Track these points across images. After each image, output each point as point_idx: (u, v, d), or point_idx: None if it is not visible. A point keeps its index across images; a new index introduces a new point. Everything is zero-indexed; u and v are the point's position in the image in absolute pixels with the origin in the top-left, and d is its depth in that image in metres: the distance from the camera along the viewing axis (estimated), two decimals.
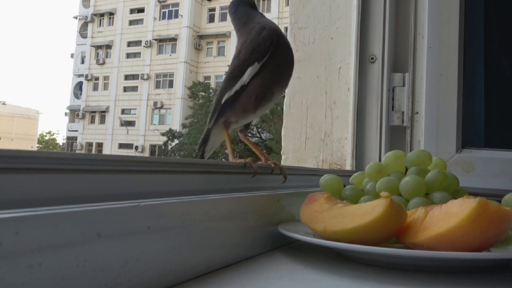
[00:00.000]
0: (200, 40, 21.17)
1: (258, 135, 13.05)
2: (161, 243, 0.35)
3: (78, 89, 23.25)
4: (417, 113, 0.94)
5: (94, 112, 22.22)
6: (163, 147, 16.83)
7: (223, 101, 0.63)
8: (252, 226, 0.49)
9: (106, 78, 22.10)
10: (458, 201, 0.42)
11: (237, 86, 0.62)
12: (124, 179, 0.37)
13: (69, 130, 23.56)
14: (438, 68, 0.93)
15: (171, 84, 20.61)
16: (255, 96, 0.62)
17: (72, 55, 23.70)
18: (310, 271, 0.44)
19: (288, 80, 0.66)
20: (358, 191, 0.59)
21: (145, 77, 20.92)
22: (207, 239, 0.40)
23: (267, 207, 0.53)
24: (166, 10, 21.29)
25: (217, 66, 20.41)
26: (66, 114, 24.49)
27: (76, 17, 23.66)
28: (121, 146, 21.13)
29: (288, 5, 1.12)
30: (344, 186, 0.60)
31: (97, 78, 22.29)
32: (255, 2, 0.70)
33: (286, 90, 1.06)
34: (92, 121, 22.37)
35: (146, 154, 19.61)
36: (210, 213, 0.41)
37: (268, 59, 0.61)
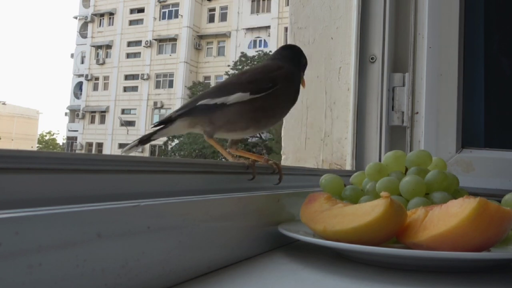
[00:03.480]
0: (200, 40, 21.17)
1: (258, 135, 13.05)
2: (161, 243, 0.35)
3: (78, 89, 23.25)
4: (417, 113, 0.94)
5: (94, 112, 22.22)
6: (163, 147, 16.82)
7: (198, 103, 0.61)
8: (252, 226, 0.49)
9: (106, 78, 22.11)
10: (458, 201, 0.42)
11: (218, 100, 0.59)
12: (124, 179, 0.37)
13: (69, 130, 23.56)
14: (438, 68, 0.93)
15: (171, 84, 20.60)
16: (226, 121, 0.60)
17: (72, 55, 23.72)
18: (310, 271, 0.44)
19: (271, 124, 0.63)
20: (358, 191, 0.59)
21: (145, 77, 20.92)
22: (207, 239, 0.40)
23: (267, 207, 0.53)
24: (166, 10, 21.29)
25: (217, 66, 20.41)
26: (66, 114, 24.52)
27: (76, 17, 23.68)
28: (121, 146, 21.09)
29: (288, 5, 1.12)
30: (344, 186, 0.60)
31: (97, 78, 22.29)
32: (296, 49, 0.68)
33: None
34: (92, 121, 22.37)
35: (146, 154, 19.61)
36: (210, 213, 0.41)
37: (262, 97, 0.59)
